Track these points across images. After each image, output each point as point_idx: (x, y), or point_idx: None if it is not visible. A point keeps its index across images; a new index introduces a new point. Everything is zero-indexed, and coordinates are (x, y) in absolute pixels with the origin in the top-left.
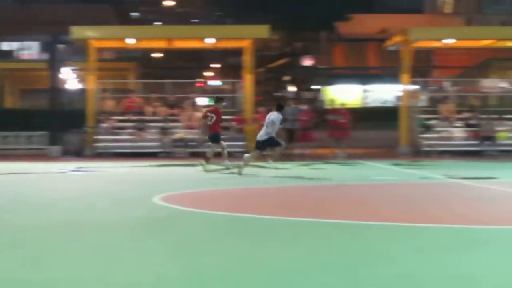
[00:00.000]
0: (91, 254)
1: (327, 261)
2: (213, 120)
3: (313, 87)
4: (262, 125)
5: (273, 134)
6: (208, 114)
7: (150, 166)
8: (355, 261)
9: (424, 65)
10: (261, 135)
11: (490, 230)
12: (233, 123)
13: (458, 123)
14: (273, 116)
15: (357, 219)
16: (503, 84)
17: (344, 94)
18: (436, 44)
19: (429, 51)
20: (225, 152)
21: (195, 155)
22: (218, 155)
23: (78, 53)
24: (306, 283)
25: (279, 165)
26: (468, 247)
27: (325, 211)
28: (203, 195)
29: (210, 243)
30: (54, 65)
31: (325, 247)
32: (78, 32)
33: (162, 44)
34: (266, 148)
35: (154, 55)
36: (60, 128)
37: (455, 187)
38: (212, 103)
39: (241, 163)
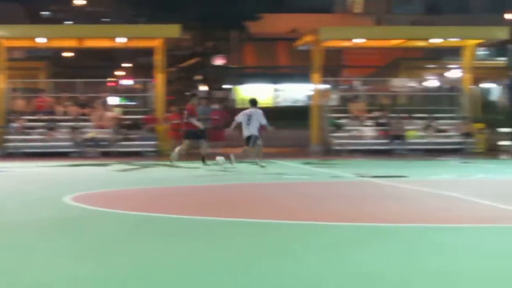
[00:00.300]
0: (1, 254)
1: (238, 259)
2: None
3: (224, 86)
4: (174, 124)
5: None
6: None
7: (61, 166)
8: (265, 259)
9: (334, 65)
10: (252, 130)
11: (396, 228)
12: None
13: (368, 122)
14: (255, 112)
15: (268, 218)
16: (413, 83)
17: (255, 94)
18: (346, 43)
19: (339, 51)
20: (179, 151)
21: (106, 154)
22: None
23: None
24: (217, 282)
25: (191, 164)
26: (375, 245)
27: (237, 210)
28: (115, 194)
29: (123, 243)
30: None
31: (237, 245)
32: None
33: (73, 43)
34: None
35: (65, 54)
36: None
37: (365, 186)
38: (124, 102)
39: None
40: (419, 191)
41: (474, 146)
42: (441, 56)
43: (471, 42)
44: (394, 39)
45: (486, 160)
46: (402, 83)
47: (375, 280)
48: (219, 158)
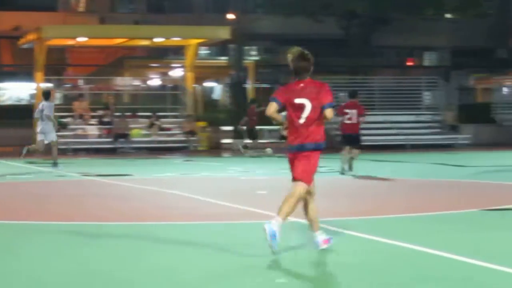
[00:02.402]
0: None
1: None
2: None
3: None
4: None
5: None
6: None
7: None
8: None
9: (58, 63)
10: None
11: (119, 226)
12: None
13: (93, 121)
14: None
15: None
16: (137, 82)
17: None
18: (70, 42)
19: (63, 49)
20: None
21: None
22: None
23: None
24: None
25: None
26: (99, 243)
27: None
28: None
29: None
30: None
31: None
32: None
33: None
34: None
35: None
36: None
37: (89, 185)
38: None
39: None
40: (143, 189)
41: (197, 144)
42: (165, 55)
43: (193, 41)
44: (117, 38)
45: (210, 158)
46: (126, 82)
47: (103, 278)
48: (268, 149)
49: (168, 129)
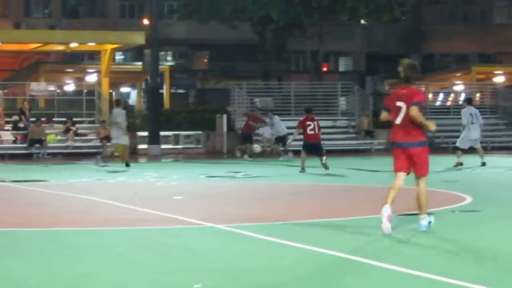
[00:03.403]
0: None
1: None
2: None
3: None
4: None
5: None
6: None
7: None
8: None
9: None
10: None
11: (31, 233)
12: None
13: (7, 126)
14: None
15: None
16: (52, 87)
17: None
18: None
19: None
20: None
21: None
22: None
23: None
24: None
25: None
26: (10, 250)
27: None
28: None
29: None
30: None
31: None
32: None
33: None
34: None
35: None
36: None
37: (4, 191)
38: None
39: None
40: (58, 195)
41: (113, 150)
42: (81, 60)
43: (108, 46)
44: (32, 43)
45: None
46: (41, 87)
47: (14, 286)
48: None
49: (84, 135)
